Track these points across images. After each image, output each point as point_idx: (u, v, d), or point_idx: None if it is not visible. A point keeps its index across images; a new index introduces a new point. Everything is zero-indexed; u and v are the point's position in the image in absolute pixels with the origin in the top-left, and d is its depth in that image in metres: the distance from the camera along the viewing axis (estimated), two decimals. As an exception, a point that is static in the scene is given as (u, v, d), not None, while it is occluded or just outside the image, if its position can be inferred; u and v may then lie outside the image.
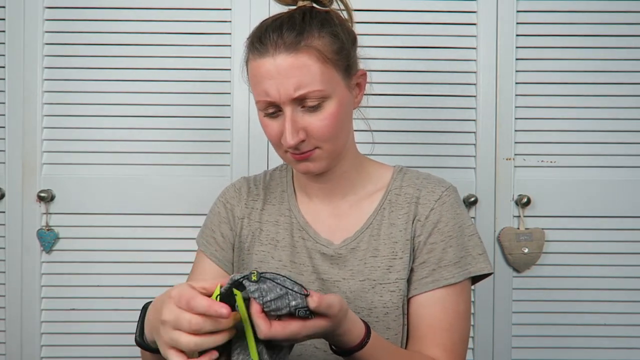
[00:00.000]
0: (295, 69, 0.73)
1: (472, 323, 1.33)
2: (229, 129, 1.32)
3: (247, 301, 0.57)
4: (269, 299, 0.56)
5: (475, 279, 0.83)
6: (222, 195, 0.92)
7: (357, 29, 1.34)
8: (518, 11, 1.31)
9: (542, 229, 1.31)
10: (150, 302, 0.67)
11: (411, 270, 0.81)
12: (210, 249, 0.88)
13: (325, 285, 0.81)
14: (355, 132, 0.87)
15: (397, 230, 0.82)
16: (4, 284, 1.32)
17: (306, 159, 0.78)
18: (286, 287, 0.57)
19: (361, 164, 0.87)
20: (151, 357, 0.71)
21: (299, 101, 0.74)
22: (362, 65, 0.84)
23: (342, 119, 0.77)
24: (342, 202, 0.86)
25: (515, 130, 1.32)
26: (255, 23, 1.29)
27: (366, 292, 0.80)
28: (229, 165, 1.32)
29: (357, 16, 1.31)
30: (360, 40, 1.29)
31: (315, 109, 0.75)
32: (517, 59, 1.31)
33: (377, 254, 0.81)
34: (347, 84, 0.79)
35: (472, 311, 1.33)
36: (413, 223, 0.82)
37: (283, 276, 0.59)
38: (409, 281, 0.81)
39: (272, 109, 0.76)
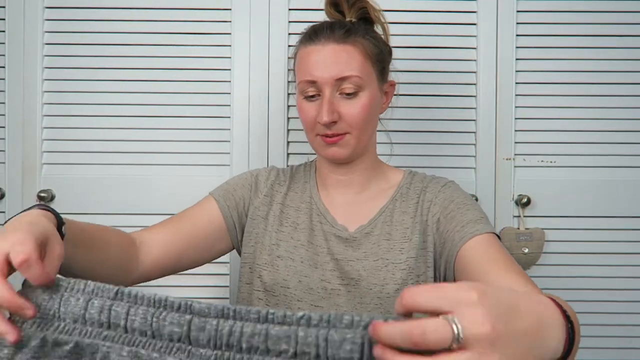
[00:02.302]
0: (341, 56, 0.85)
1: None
2: (229, 129, 1.32)
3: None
4: None
5: None
6: (253, 171, 1.01)
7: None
8: (518, 11, 1.31)
9: (542, 229, 1.31)
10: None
11: (443, 244, 0.85)
12: (225, 199, 0.95)
13: (339, 265, 0.88)
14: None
15: (408, 217, 0.91)
16: (4, 284, 1.32)
17: (335, 144, 0.88)
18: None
19: (378, 165, 0.98)
20: None
21: (338, 86, 0.85)
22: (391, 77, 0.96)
23: (371, 113, 0.88)
24: (358, 196, 0.95)
25: (515, 130, 1.32)
26: (256, 23, 1.31)
27: (379, 270, 0.86)
28: (229, 165, 1.33)
29: (357, 16, 1.32)
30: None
31: (351, 96, 0.86)
32: (517, 59, 1.31)
33: (390, 238, 0.89)
34: (379, 86, 0.91)
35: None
36: (422, 207, 0.91)
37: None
38: (445, 252, 0.85)
39: (312, 91, 0.87)
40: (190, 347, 0.50)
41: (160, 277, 0.92)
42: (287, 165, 1.04)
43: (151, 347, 0.51)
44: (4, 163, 1.32)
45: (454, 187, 0.93)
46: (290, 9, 1.31)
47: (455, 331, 0.39)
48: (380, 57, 0.90)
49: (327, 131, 0.86)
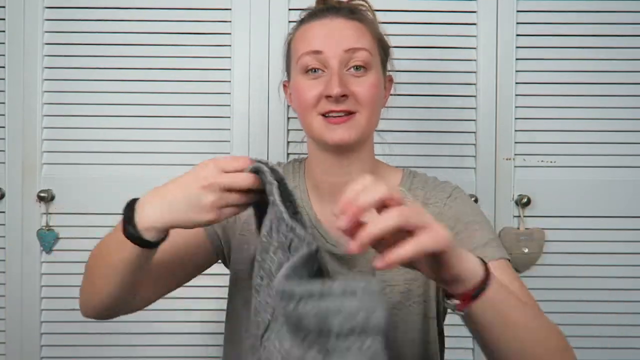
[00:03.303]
0: (350, 29, 0.79)
1: (472, 323, 1.33)
2: (229, 129, 1.32)
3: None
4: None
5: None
6: None
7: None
8: (518, 11, 1.31)
9: (542, 229, 1.31)
10: (135, 198, 0.68)
11: None
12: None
13: None
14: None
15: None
16: (4, 284, 1.32)
17: (342, 125, 0.77)
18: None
19: (376, 166, 0.87)
20: (135, 253, 0.66)
21: (346, 60, 0.78)
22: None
23: (379, 96, 0.81)
24: None
25: (515, 130, 1.32)
26: (256, 23, 1.31)
27: (383, 296, 0.75)
28: (229, 165, 1.32)
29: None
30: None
31: (360, 72, 0.78)
32: (517, 59, 1.31)
33: None
34: (383, 74, 0.84)
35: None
36: None
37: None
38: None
39: (315, 64, 0.78)
40: None
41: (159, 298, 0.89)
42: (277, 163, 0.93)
43: None
44: (4, 163, 1.32)
45: (460, 200, 0.83)
46: (290, 9, 1.31)
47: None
48: (385, 45, 0.85)
49: (335, 107, 0.76)
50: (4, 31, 1.31)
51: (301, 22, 0.83)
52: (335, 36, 0.78)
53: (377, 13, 1.39)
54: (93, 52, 1.31)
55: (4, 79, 1.31)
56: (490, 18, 1.31)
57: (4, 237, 1.32)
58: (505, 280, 0.68)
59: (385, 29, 0.88)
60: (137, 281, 0.71)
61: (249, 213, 0.69)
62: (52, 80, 1.32)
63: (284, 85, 0.91)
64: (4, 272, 1.32)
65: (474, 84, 1.32)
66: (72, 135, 1.32)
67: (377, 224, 0.47)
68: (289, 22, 1.31)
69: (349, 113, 0.77)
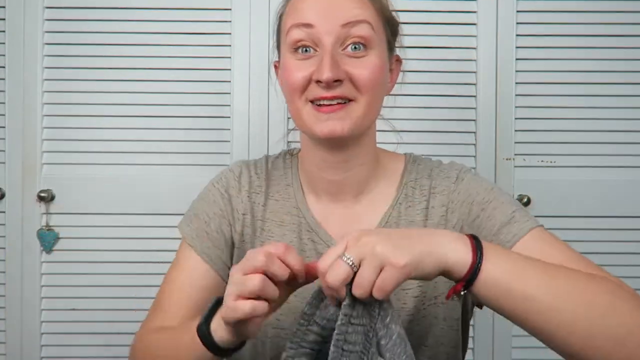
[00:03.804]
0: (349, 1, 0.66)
1: (471, 323, 1.33)
2: (229, 129, 1.32)
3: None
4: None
5: None
6: (218, 181, 0.78)
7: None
8: (518, 11, 1.31)
9: (542, 229, 1.31)
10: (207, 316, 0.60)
11: None
12: (202, 245, 0.74)
13: None
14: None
15: (416, 227, 0.72)
16: (4, 284, 1.32)
17: (334, 114, 0.65)
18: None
19: (377, 157, 0.76)
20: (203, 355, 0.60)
21: (343, 38, 0.65)
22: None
23: (382, 81, 0.69)
24: (355, 200, 0.74)
25: (515, 130, 1.32)
26: (256, 23, 1.31)
27: (394, 295, 0.71)
28: (228, 165, 1.32)
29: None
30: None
31: (358, 51, 0.66)
32: (517, 59, 1.31)
33: None
34: (388, 56, 0.72)
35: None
36: (434, 214, 0.73)
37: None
38: None
39: (305, 40, 0.66)
40: None
41: None
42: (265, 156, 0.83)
43: None
44: (4, 163, 1.32)
45: (467, 181, 0.73)
46: (290, 9, 1.31)
47: (346, 260, 0.50)
48: (392, 22, 0.73)
49: (325, 93, 0.65)
50: (4, 31, 1.31)
51: None
52: (330, 7, 0.65)
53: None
54: (93, 52, 1.31)
55: (4, 79, 1.31)
56: (490, 18, 1.31)
57: (4, 237, 1.32)
58: (544, 250, 0.63)
59: (394, 4, 0.76)
60: None
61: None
62: (52, 80, 1.32)
63: (275, 66, 0.79)
64: (4, 272, 1.32)
65: (474, 84, 1.32)
66: (72, 135, 1.32)
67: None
68: (289, 22, 1.31)
69: (344, 100, 0.66)
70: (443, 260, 0.52)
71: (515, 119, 1.32)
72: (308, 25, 0.65)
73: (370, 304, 0.52)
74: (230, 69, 1.32)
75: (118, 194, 1.32)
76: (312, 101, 0.67)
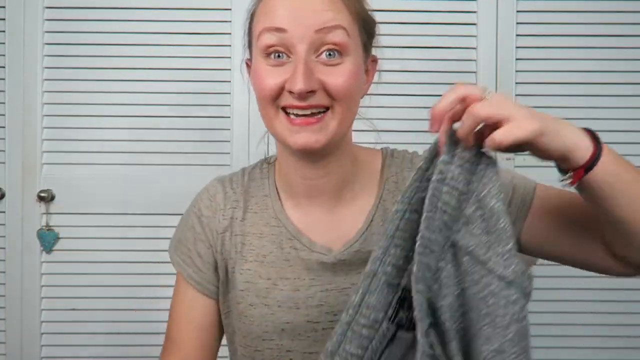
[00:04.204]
0: (323, 2, 0.62)
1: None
2: (229, 129, 1.32)
3: None
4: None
5: None
6: (195, 205, 0.76)
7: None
8: (518, 11, 1.31)
9: (542, 229, 1.31)
10: None
11: None
12: (188, 270, 0.74)
13: (331, 295, 0.69)
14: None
15: None
16: (4, 284, 1.32)
17: (308, 127, 0.63)
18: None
19: (355, 156, 0.74)
20: None
21: (317, 44, 0.62)
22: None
23: (357, 87, 0.66)
24: (336, 201, 0.71)
25: (515, 130, 1.32)
26: (255, 23, 1.31)
27: None
28: (229, 165, 1.32)
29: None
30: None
31: (333, 58, 0.62)
32: (517, 59, 1.31)
33: None
34: (364, 59, 0.70)
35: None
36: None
37: None
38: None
39: (277, 43, 0.62)
40: None
41: None
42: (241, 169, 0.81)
43: None
44: (4, 163, 1.32)
45: None
46: (290, 9, 1.31)
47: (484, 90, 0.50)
48: (368, 24, 0.70)
49: (299, 102, 0.61)
50: (4, 31, 1.31)
51: None
52: (304, 11, 0.61)
53: (377, 13, 1.39)
54: (93, 52, 1.31)
55: (4, 79, 1.31)
56: (490, 18, 1.31)
57: (4, 237, 1.32)
58: (556, 194, 0.67)
59: (370, 4, 0.73)
60: None
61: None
62: (52, 80, 1.32)
63: (247, 64, 0.75)
64: (4, 272, 1.32)
65: (474, 84, 1.32)
66: (72, 135, 1.32)
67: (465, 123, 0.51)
68: (289, 22, 1.31)
69: (318, 110, 0.63)
70: (570, 141, 0.53)
71: (515, 119, 1.32)
72: (280, 30, 0.62)
73: (471, 167, 0.52)
74: (230, 69, 1.32)
75: (118, 194, 1.32)
76: (284, 108, 0.64)
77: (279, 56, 0.63)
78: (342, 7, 0.63)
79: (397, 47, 1.32)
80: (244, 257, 0.71)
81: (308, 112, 0.62)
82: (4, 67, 1.31)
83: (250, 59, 0.71)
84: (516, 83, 1.32)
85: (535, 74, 1.32)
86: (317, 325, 0.68)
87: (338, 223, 0.71)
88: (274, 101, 0.63)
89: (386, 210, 0.71)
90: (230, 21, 1.32)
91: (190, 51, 1.31)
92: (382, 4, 1.32)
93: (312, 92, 0.61)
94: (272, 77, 0.62)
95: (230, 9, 1.32)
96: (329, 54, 0.62)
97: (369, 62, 0.73)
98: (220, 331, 0.77)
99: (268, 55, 0.63)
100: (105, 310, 1.32)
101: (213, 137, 1.33)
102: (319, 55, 0.62)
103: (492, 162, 0.52)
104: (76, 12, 1.31)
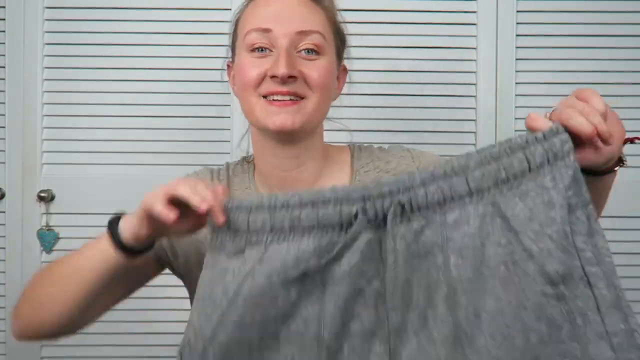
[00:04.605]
0: (304, 9, 0.72)
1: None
2: (229, 129, 1.32)
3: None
4: None
5: None
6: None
7: (358, 29, 1.34)
8: (518, 11, 1.31)
9: (542, 229, 1.31)
10: (115, 217, 0.67)
11: None
12: None
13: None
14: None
15: None
16: (4, 284, 1.32)
17: (286, 108, 0.70)
18: None
19: (326, 152, 0.80)
20: (118, 261, 0.65)
21: (297, 43, 0.71)
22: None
23: (331, 84, 0.75)
24: None
25: (515, 130, 1.32)
26: (255, 23, 1.31)
27: None
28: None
29: (357, 16, 1.32)
30: (360, 40, 1.29)
31: (311, 54, 0.72)
32: (517, 59, 1.31)
33: None
34: (337, 64, 0.78)
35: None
36: None
37: None
38: None
39: (262, 42, 0.71)
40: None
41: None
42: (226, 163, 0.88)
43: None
44: (4, 163, 1.32)
45: (424, 154, 0.79)
46: (290, 9, 1.31)
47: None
48: (341, 34, 0.79)
49: (279, 87, 0.69)
50: (4, 31, 1.31)
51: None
52: (287, 15, 0.71)
53: (377, 13, 1.40)
54: (93, 52, 1.31)
55: (4, 79, 1.31)
56: (490, 18, 1.31)
57: (4, 237, 1.32)
58: None
59: (344, 17, 0.81)
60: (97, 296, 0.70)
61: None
62: (52, 80, 1.32)
63: (228, 66, 0.84)
64: (4, 272, 1.32)
65: (474, 84, 1.32)
66: (72, 135, 1.32)
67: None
68: (289, 22, 1.31)
69: (296, 98, 0.70)
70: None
71: (515, 119, 1.32)
72: (266, 30, 0.71)
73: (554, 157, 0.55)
74: (230, 69, 1.32)
75: (118, 194, 1.32)
76: (265, 96, 0.71)
77: (262, 50, 0.71)
78: (320, 15, 0.74)
79: (397, 47, 1.32)
80: None
81: (287, 98, 0.70)
82: (4, 67, 1.31)
83: (231, 61, 0.80)
84: (516, 83, 1.32)
85: (535, 74, 1.32)
86: None
87: None
88: (256, 88, 0.71)
89: None
90: (230, 21, 1.31)
91: (190, 51, 1.31)
92: (382, 4, 1.32)
93: (293, 77, 0.69)
94: (256, 66, 0.71)
95: (230, 9, 1.32)
96: (308, 52, 0.71)
97: (341, 70, 0.81)
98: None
99: (253, 50, 0.72)
100: (105, 310, 1.32)
101: (213, 137, 1.33)
102: (299, 52, 0.71)
103: (574, 168, 0.55)
104: (76, 12, 1.31)
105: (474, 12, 1.32)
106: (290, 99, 0.70)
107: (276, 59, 0.69)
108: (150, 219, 0.60)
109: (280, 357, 0.55)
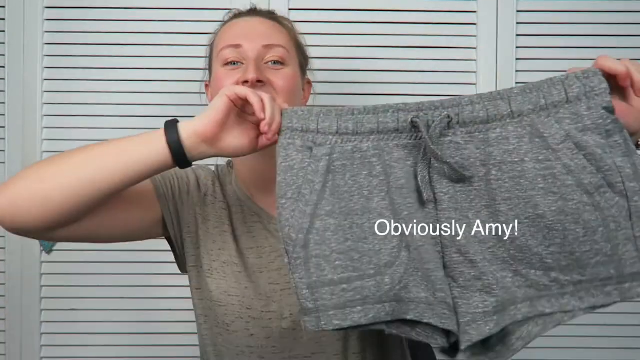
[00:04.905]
0: (268, 28, 0.84)
1: (472, 323, 1.33)
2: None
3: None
4: None
5: None
6: (195, 170, 0.92)
7: (358, 29, 1.35)
8: (518, 11, 1.31)
9: (542, 229, 1.31)
10: (172, 120, 0.71)
11: None
12: (160, 180, 0.85)
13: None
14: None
15: None
16: (4, 284, 1.32)
17: None
18: None
19: None
20: (158, 161, 0.68)
21: (264, 55, 0.81)
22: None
23: (296, 91, 0.84)
24: None
25: (515, 130, 1.32)
26: (255, 23, 1.31)
27: None
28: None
29: (357, 16, 1.32)
30: (360, 40, 1.29)
31: (277, 65, 0.82)
32: (517, 59, 1.31)
33: None
34: (302, 75, 0.88)
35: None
36: None
37: None
38: None
39: (234, 57, 0.81)
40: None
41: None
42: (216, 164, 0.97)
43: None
44: (4, 163, 1.32)
45: None
46: (290, 9, 1.31)
47: None
48: (303, 51, 0.89)
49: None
50: (4, 31, 1.31)
51: (223, 23, 0.89)
52: (254, 32, 0.82)
53: (377, 13, 1.40)
54: (93, 52, 1.31)
55: (4, 79, 1.31)
56: (490, 18, 1.31)
57: (4, 237, 1.32)
58: None
59: (305, 40, 0.92)
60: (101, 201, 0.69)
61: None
62: (52, 80, 1.32)
63: (206, 86, 0.95)
64: (4, 272, 1.32)
65: (474, 84, 1.32)
66: (72, 135, 1.32)
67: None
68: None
69: None
70: None
71: (515, 119, 1.32)
72: (237, 46, 0.81)
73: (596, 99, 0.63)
74: (230, 69, 1.32)
75: (118, 194, 1.32)
76: None
77: (234, 64, 0.81)
78: (283, 32, 0.85)
79: (397, 47, 1.32)
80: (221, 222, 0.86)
81: None
82: (4, 67, 1.31)
83: (208, 81, 0.92)
84: (516, 83, 1.32)
85: (535, 74, 1.32)
86: (276, 286, 0.81)
87: None
88: None
89: None
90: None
91: (190, 51, 1.31)
92: (382, 4, 1.32)
93: (261, 82, 0.78)
94: (230, 77, 0.80)
95: (230, 9, 1.31)
96: (274, 62, 0.82)
97: (305, 83, 0.91)
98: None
99: (227, 64, 0.82)
100: (105, 310, 1.32)
101: (213, 137, 1.33)
102: (266, 63, 0.81)
103: (608, 103, 0.62)
104: (76, 12, 1.31)
105: (474, 12, 1.32)
106: None
107: (246, 67, 0.79)
108: (218, 118, 0.68)
109: (368, 237, 0.66)
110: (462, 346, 0.63)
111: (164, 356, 1.33)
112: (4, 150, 1.32)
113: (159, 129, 0.68)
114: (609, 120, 0.61)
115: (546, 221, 0.63)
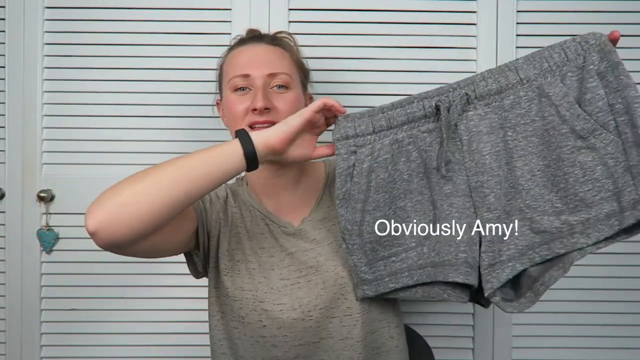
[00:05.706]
0: (273, 55, 0.95)
1: (472, 323, 1.33)
2: (229, 129, 1.32)
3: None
4: None
5: None
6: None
7: (357, 29, 1.35)
8: (518, 11, 1.31)
9: (542, 229, 1.31)
10: (242, 130, 0.84)
11: None
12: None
13: (295, 258, 0.92)
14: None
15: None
16: (4, 284, 1.32)
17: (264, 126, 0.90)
18: None
19: (304, 165, 0.99)
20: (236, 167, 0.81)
21: (269, 81, 0.93)
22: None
23: (298, 110, 0.91)
24: (293, 194, 0.98)
25: (515, 130, 1.32)
26: (256, 23, 1.31)
27: (336, 252, 0.92)
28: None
29: (357, 16, 1.32)
30: (360, 40, 1.30)
31: (281, 89, 0.93)
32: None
33: (337, 222, 0.92)
34: (303, 93, 0.99)
35: (472, 311, 1.33)
36: None
37: None
38: None
39: (243, 83, 0.93)
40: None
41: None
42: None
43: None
44: (4, 163, 1.32)
45: None
46: (290, 9, 1.31)
47: None
48: (303, 68, 1.00)
49: (259, 118, 0.90)
50: (4, 31, 1.31)
51: (231, 48, 1.00)
52: (259, 61, 0.93)
53: (377, 13, 1.40)
54: (93, 52, 1.31)
55: (4, 79, 1.31)
56: (490, 18, 1.31)
57: (4, 237, 1.32)
58: None
59: (304, 53, 1.03)
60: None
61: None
62: (52, 80, 1.32)
63: (217, 103, 1.05)
64: (4, 272, 1.32)
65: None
66: (72, 135, 1.32)
67: None
68: (289, 22, 1.31)
69: (272, 124, 0.87)
70: None
71: (515, 119, 1.32)
72: (245, 75, 0.93)
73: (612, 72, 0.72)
74: (230, 69, 1.32)
75: (118, 194, 1.31)
76: (250, 126, 0.91)
77: (243, 89, 0.93)
78: (285, 56, 0.96)
79: (397, 47, 1.32)
80: (232, 231, 0.96)
81: (265, 125, 0.90)
82: (4, 67, 1.31)
83: (220, 99, 1.02)
84: (516, 83, 1.31)
85: (535, 74, 1.32)
86: (287, 282, 0.91)
87: (296, 207, 0.98)
88: (242, 120, 0.92)
89: (330, 194, 0.98)
90: (230, 21, 1.32)
91: (190, 51, 1.31)
92: (382, 4, 1.32)
93: (268, 109, 0.90)
94: (241, 102, 0.92)
95: (230, 9, 1.32)
96: (279, 87, 0.93)
97: (307, 98, 1.02)
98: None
99: (236, 90, 0.94)
100: (105, 310, 1.32)
101: (213, 137, 1.33)
102: (271, 87, 0.93)
103: (603, 44, 0.72)
104: (76, 12, 1.31)
105: (474, 12, 1.32)
106: (267, 125, 0.89)
107: (254, 95, 0.91)
108: (290, 134, 0.82)
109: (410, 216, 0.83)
110: (486, 293, 0.76)
111: (164, 356, 1.33)
112: (4, 150, 1.32)
113: (226, 141, 0.82)
114: (602, 65, 0.70)
115: (551, 169, 0.74)
